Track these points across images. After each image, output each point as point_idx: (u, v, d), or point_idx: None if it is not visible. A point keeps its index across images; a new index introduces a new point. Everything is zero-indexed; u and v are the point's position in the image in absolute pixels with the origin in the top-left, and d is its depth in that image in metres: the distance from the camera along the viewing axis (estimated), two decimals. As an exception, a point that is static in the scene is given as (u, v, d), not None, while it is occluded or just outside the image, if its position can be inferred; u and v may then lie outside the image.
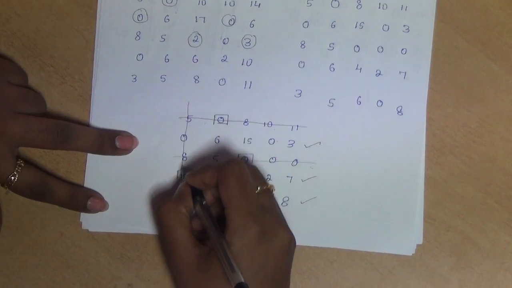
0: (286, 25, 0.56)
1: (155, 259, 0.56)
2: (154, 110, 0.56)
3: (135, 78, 0.56)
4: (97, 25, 0.56)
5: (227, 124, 0.55)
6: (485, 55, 0.56)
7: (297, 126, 0.55)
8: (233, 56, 0.56)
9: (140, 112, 0.56)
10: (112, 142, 0.54)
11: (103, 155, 0.55)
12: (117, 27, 0.56)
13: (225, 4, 0.56)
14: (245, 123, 0.55)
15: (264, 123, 0.55)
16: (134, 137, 0.55)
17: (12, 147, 0.52)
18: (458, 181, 0.56)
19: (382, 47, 0.55)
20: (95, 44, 0.56)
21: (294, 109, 0.55)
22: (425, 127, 0.55)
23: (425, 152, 0.55)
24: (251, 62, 0.56)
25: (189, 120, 0.55)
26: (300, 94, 0.55)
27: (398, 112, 0.55)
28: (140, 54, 0.56)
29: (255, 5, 0.55)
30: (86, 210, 0.54)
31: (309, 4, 0.55)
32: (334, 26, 0.55)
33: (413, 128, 0.55)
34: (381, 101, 0.55)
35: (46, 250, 0.56)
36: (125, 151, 0.55)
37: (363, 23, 0.55)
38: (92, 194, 0.55)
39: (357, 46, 0.55)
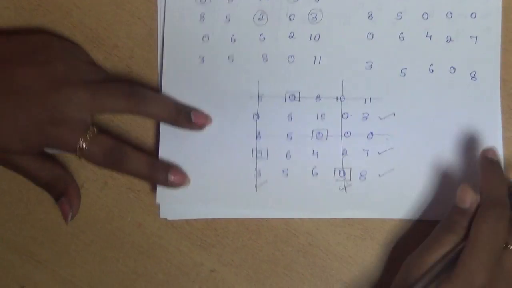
0: (352, -3, 0.56)
1: (236, 243, 0.56)
2: (225, 91, 0.56)
3: (202, 60, 0.57)
4: (158, 10, 0.57)
5: (299, 101, 0.56)
6: None
7: (370, 98, 0.56)
8: (300, 32, 0.56)
9: (210, 93, 0.56)
10: (188, 115, 0.55)
11: (177, 126, 0.55)
12: (181, 10, 0.57)
13: None
14: (317, 99, 0.56)
15: (337, 98, 0.56)
16: (209, 115, 0.56)
17: (82, 114, 0.52)
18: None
19: (451, 13, 0.56)
20: (159, 30, 0.57)
21: (366, 81, 0.56)
22: (499, 91, 0.56)
23: (501, 115, 0.56)
24: (319, 37, 0.56)
25: (260, 99, 0.56)
26: (371, 66, 0.56)
27: (472, 77, 0.56)
28: (206, 36, 0.57)
29: (319, -22, 0.56)
30: (166, 183, 0.54)
31: (374, -26, 0.56)
32: (401, -6, 0.56)
33: (488, 92, 0.56)
34: (453, 67, 0.56)
35: (126, 242, 0.57)
36: (199, 127, 0.55)
37: (431, -12, 0.56)
38: (173, 167, 0.55)
39: (426, 13, 0.56)
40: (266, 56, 0.56)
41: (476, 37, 0.56)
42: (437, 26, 0.56)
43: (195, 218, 0.56)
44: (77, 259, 0.56)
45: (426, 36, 0.56)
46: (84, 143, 0.51)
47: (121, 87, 0.53)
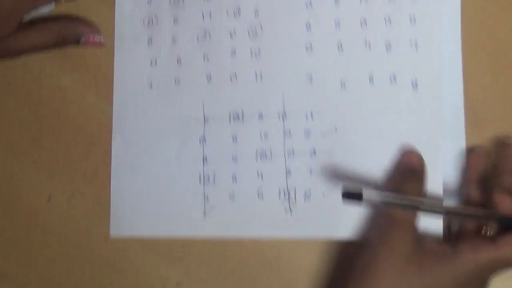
0: (289, 7, 0.56)
1: (203, 256, 0.58)
2: (172, 115, 0.58)
3: (151, 85, 0.59)
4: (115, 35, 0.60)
5: (242, 121, 0.57)
6: None
7: (311, 113, 0.56)
8: (241, 48, 0.57)
9: (158, 118, 0.59)
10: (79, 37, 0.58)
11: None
12: (130, 35, 0.60)
13: None
14: (260, 118, 0.57)
15: (279, 114, 0.56)
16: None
17: None
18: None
19: (389, 18, 0.53)
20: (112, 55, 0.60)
21: (307, 95, 0.56)
22: (441, 100, 0.54)
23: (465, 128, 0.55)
24: (259, 51, 0.57)
25: (206, 121, 0.58)
26: (311, 79, 0.56)
27: (414, 86, 0.53)
28: (153, 60, 0.59)
29: (257, -9, 0.56)
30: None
31: (309, -17, 0.55)
32: (338, 1, 0.55)
33: (430, 102, 0.54)
34: (394, 75, 0.54)
35: (92, 255, 0.60)
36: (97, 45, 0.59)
37: (368, -5, 0.54)
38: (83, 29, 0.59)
39: (363, 19, 0.53)
40: (210, 76, 0.58)
41: (416, 43, 0.54)
42: (375, 33, 0.54)
43: (146, 236, 0.59)
44: (43, 273, 0.61)
45: (365, 45, 0.54)
46: None
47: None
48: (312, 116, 0.55)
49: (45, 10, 0.59)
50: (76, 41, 0.58)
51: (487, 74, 0.54)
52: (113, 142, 0.59)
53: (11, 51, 0.57)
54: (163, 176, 0.58)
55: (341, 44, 0.55)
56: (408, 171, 0.53)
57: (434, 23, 0.53)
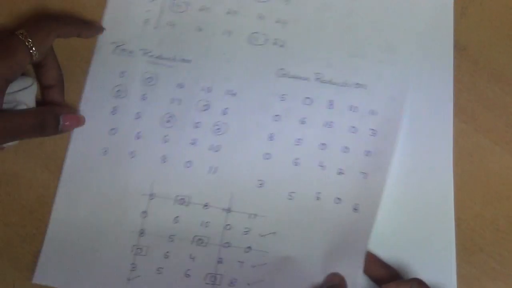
0: (258, 116, 0.60)
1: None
2: (120, 185, 0.60)
3: (105, 152, 0.60)
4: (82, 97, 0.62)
5: (187, 206, 0.58)
6: (510, 153, 0.60)
7: (255, 215, 0.59)
8: (203, 140, 0.60)
9: (106, 184, 0.60)
10: (57, 121, 0.59)
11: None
12: (97, 100, 0.61)
13: (202, 90, 0.61)
14: (205, 207, 0.59)
15: (223, 209, 0.58)
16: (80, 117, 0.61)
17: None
18: (491, 279, 0.58)
19: (347, 148, 0.59)
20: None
21: (254, 198, 0.59)
22: (374, 223, 0.58)
23: (456, 253, 0.58)
24: (219, 148, 0.60)
25: (151, 198, 0.59)
26: (262, 184, 0.59)
27: (354, 209, 0.58)
28: (114, 129, 0.61)
29: (231, 93, 0.60)
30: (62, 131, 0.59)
31: (282, 99, 0.60)
32: (304, 122, 0.60)
33: (365, 223, 0.58)
34: (339, 198, 0.58)
35: None
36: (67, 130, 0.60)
37: (332, 122, 0.59)
38: (62, 111, 0.59)
39: (323, 144, 0.59)
40: (166, 157, 0.60)
41: (366, 173, 0.59)
42: (332, 158, 0.59)
43: None
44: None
45: (320, 166, 0.59)
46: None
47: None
48: (254, 218, 0.59)
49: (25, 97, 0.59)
50: (56, 126, 0.59)
51: (477, 203, 0.59)
52: (57, 197, 0.60)
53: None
54: (97, 239, 0.59)
55: (297, 160, 0.59)
56: None
57: (385, 159, 0.58)
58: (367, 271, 0.57)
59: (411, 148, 0.59)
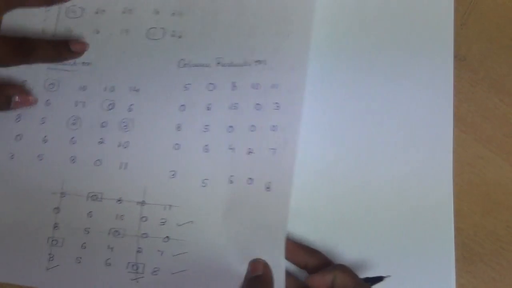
0: (163, 109, 0.61)
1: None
2: (30, 186, 0.60)
3: (12, 157, 0.60)
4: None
5: (100, 201, 0.59)
6: (509, 163, 0.60)
7: (170, 205, 0.59)
8: (110, 138, 0.60)
9: (16, 186, 0.60)
10: (67, 46, 0.60)
11: (62, 61, 0.61)
12: (-2, 109, 0.61)
13: (105, 90, 0.61)
14: (119, 201, 0.59)
15: (137, 202, 0.58)
16: (86, 42, 0.62)
17: None
18: (490, 288, 0.59)
19: (254, 126, 0.59)
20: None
21: (168, 189, 0.59)
22: (289, 201, 0.58)
23: (455, 263, 0.58)
24: (128, 144, 0.60)
25: (62, 195, 0.59)
26: (174, 175, 0.59)
27: (267, 188, 0.58)
28: (19, 135, 0.60)
29: (134, 90, 0.61)
30: (74, 54, 0.61)
31: (186, 89, 0.60)
32: (210, 108, 0.60)
33: (279, 201, 0.58)
34: (251, 178, 0.58)
35: None
36: (80, 53, 0.61)
37: (237, 103, 0.60)
38: (67, 39, 0.61)
39: (231, 126, 0.59)
40: (75, 158, 0.60)
41: (275, 149, 0.59)
42: (240, 139, 0.60)
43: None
44: None
45: (230, 148, 0.59)
46: None
47: (9, 40, 0.59)
48: (170, 208, 0.58)
49: None
50: (7, 105, 0.59)
51: (477, 213, 0.60)
52: None
53: None
54: (13, 233, 0.59)
55: (207, 146, 0.59)
56: (254, 279, 0.56)
57: (291, 132, 0.59)
58: (291, 259, 0.57)
59: (411, 156, 0.60)
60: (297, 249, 0.57)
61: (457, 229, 0.59)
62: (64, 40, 0.61)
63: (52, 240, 0.58)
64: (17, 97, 0.59)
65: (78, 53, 0.61)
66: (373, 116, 0.61)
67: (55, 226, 0.59)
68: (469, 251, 0.59)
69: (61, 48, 0.60)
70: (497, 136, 0.60)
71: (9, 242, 0.59)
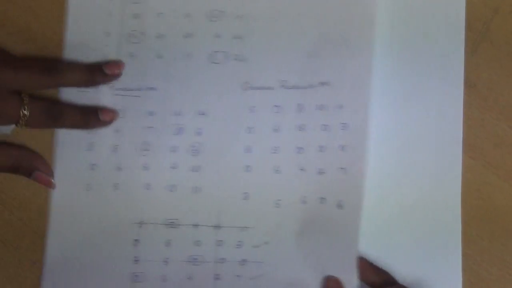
0: (231, 132, 0.62)
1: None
2: (107, 217, 0.62)
3: (88, 188, 0.62)
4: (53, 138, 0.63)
5: (177, 228, 0.60)
6: None
7: (245, 227, 0.61)
8: (182, 163, 0.62)
9: (94, 219, 0.62)
10: (101, 69, 0.61)
11: (95, 85, 0.62)
12: (72, 138, 0.62)
13: (172, 114, 0.62)
14: (195, 226, 0.61)
15: (213, 226, 0.61)
16: (121, 62, 0.62)
17: (9, 89, 0.58)
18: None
19: (323, 146, 0.61)
20: (52, 157, 0.62)
21: (242, 211, 0.61)
22: (360, 218, 0.60)
23: (462, 287, 0.61)
24: (199, 168, 0.62)
25: (140, 225, 0.61)
26: (247, 197, 0.61)
27: (338, 206, 0.60)
28: (93, 164, 0.62)
29: (201, 114, 0.62)
30: (101, 123, 0.61)
31: (252, 111, 0.62)
32: (277, 130, 0.62)
33: (351, 220, 0.60)
34: (324, 198, 0.61)
35: None
36: (114, 76, 0.62)
37: (304, 125, 0.62)
38: (100, 108, 0.62)
39: (300, 147, 0.61)
40: (149, 185, 0.62)
41: (345, 169, 0.61)
42: (309, 160, 0.61)
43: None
44: None
45: (300, 169, 0.61)
46: (25, 110, 0.58)
47: (39, 62, 0.61)
48: (245, 230, 0.61)
49: (6, 131, 0.61)
50: (28, 174, 0.60)
51: (485, 239, 0.61)
52: (49, 233, 0.61)
53: None
54: (93, 274, 0.61)
55: (278, 168, 0.61)
56: None
57: (360, 151, 0.60)
58: (362, 278, 0.59)
59: (420, 181, 0.62)
60: (368, 268, 0.60)
61: (464, 255, 0.60)
62: (93, 108, 0.61)
63: (134, 276, 0.61)
64: (37, 174, 0.60)
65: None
66: (384, 141, 0.63)
67: (135, 260, 0.61)
68: (476, 277, 0.60)
69: (90, 117, 0.61)
70: (506, 163, 0.61)
71: (91, 280, 0.61)
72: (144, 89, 0.62)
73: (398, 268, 0.61)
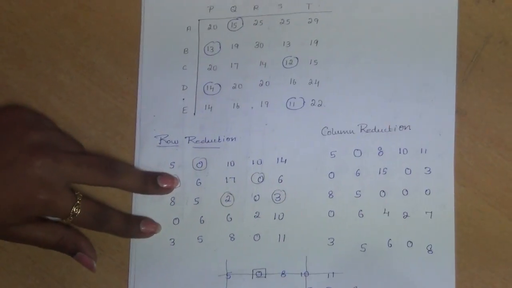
0: (313, 177, 0.62)
1: None
2: (194, 271, 0.62)
3: (173, 242, 0.62)
4: (133, 195, 0.63)
5: (265, 277, 0.60)
6: (508, 217, 0.61)
7: (333, 273, 0.61)
8: (265, 211, 0.62)
9: (180, 274, 0.62)
10: (155, 181, 0.62)
11: (147, 194, 0.63)
12: (152, 195, 0.63)
13: (253, 163, 0.63)
14: (283, 275, 0.61)
15: (301, 273, 0.61)
16: (175, 177, 0.63)
17: (67, 182, 0.59)
18: None
19: (406, 190, 0.61)
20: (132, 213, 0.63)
21: (329, 257, 0.61)
22: (454, 263, 0.60)
23: None
24: (283, 216, 0.62)
25: (228, 277, 0.61)
26: (333, 242, 0.61)
27: (429, 251, 0.60)
28: (176, 218, 0.63)
29: (281, 161, 0.62)
30: (141, 234, 0.62)
31: (332, 156, 0.62)
32: (359, 174, 0.62)
33: (443, 265, 0.60)
34: (411, 241, 0.60)
35: None
36: (167, 190, 0.62)
37: (386, 168, 0.62)
38: (144, 218, 0.63)
39: (383, 191, 0.61)
40: (233, 235, 0.62)
41: (431, 212, 0.61)
42: (394, 203, 0.61)
43: None
44: None
45: (384, 213, 0.61)
46: (76, 208, 0.59)
47: (99, 160, 0.61)
48: (333, 276, 0.61)
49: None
50: (72, 254, 0.61)
51: (475, 265, 0.60)
52: None
53: (16, 237, 0.60)
54: None
55: (361, 212, 0.61)
56: None
57: (447, 194, 0.61)
58: None
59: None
60: None
61: (456, 281, 0.60)
62: (137, 218, 0.62)
63: None
64: (80, 255, 0.61)
65: (166, 190, 0.63)
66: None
67: None
68: None
69: (132, 226, 0.62)
70: (497, 190, 0.61)
71: None
72: (224, 140, 0.63)
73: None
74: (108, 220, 0.61)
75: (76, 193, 0.59)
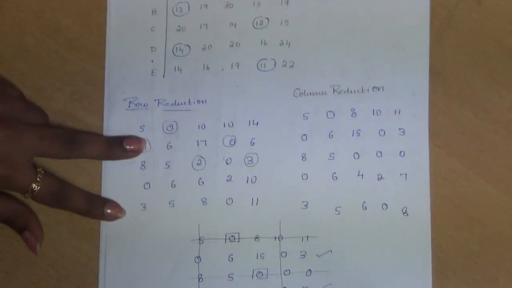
0: (286, 140, 0.62)
1: None
2: (166, 236, 0.61)
3: (144, 207, 0.61)
4: (102, 162, 0.62)
5: (238, 242, 0.60)
6: (483, 177, 0.61)
7: (307, 237, 0.60)
8: (237, 175, 0.61)
9: (152, 239, 0.61)
10: (121, 144, 0.60)
11: (114, 159, 0.61)
12: (121, 160, 0.62)
13: (224, 126, 0.62)
14: (256, 239, 0.60)
15: (275, 237, 0.60)
16: (143, 138, 0.62)
17: (29, 157, 0.58)
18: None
19: (380, 152, 0.61)
20: (102, 179, 0.62)
21: (302, 220, 0.61)
22: (429, 226, 0.60)
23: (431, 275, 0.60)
24: (256, 179, 0.61)
25: (201, 241, 0.60)
26: (306, 205, 0.60)
27: (404, 213, 0.60)
28: (147, 183, 0.62)
29: (253, 123, 0.61)
30: (105, 217, 0.60)
31: (305, 118, 0.61)
32: (332, 136, 0.61)
33: (418, 227, 0.60)
34: (385, 204, 0.60)
35: None
36: (135, 152, 0.61)
37: (360, 130, 0.61)
38: (109, 201, 0.61)
39: (357, 153, 0.61)
40: (205, 199, 0.61)
41: (406, 174, 0.60)
42: (368, 165, 0.61)
43: None
44: None
45: (358, 175, 0.61)
46: (35, 185, 0.57)
47: (62, 132, 0.60)
48: (307, 239, 0.60)
49: None
50: (20, 231, 0.59)
51: (451, 227, 0.60)
52: (106, 260, 0.61)
53: None
54: None
55: (335, 174, 0.61)
56: None
57: (422, 156, 0.60)
58: None
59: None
60: None
61: (432, 243, 0.60)
62: (103, 199, 0.61)
63: None
64: (25, 235, 0.58)
65: (135, 152, 0.61)
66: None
67: (200, 279, 0.60)
68: (443, 265, 0.60)
69: (94, 205, 0.60)
70: (471, 151, 0.60)
71: None
72: (194, 103, 0.62)
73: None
74: (67, 198, 0.59)
75: (38, 169, 0.58)
